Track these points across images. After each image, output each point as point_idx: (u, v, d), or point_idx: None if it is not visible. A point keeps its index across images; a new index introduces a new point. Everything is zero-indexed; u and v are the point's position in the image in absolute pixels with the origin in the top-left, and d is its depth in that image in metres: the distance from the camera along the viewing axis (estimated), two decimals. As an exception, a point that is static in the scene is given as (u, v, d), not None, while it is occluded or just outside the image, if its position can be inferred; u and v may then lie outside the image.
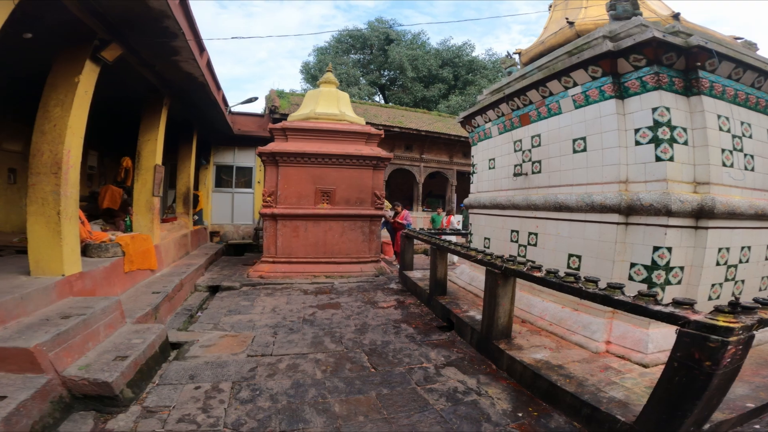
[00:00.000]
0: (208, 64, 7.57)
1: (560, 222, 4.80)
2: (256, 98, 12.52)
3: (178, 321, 5.46)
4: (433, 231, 8.80)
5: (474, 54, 24.61)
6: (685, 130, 3.91)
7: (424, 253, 12.42)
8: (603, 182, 4.32)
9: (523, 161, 5.60)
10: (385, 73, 25.02)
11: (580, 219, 4.52)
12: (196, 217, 12.03)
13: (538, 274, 3.51)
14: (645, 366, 3.52)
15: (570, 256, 4.66)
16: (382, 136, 9.40)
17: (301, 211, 8.80)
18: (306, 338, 4.76)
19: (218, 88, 9.33)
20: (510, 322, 4.21)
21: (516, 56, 6.61)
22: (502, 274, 4.05)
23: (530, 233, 5.35)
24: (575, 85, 4.60)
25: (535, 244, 5.27)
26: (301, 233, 8.85)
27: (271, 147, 8.74)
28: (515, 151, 5.80)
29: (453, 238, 9.19)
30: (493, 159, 6.41)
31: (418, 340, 4.85)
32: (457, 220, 11.88)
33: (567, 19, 5.44)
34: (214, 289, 7.46)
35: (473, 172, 7.24)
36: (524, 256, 5.41)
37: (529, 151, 5.49)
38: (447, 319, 5.36)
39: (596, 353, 3.85)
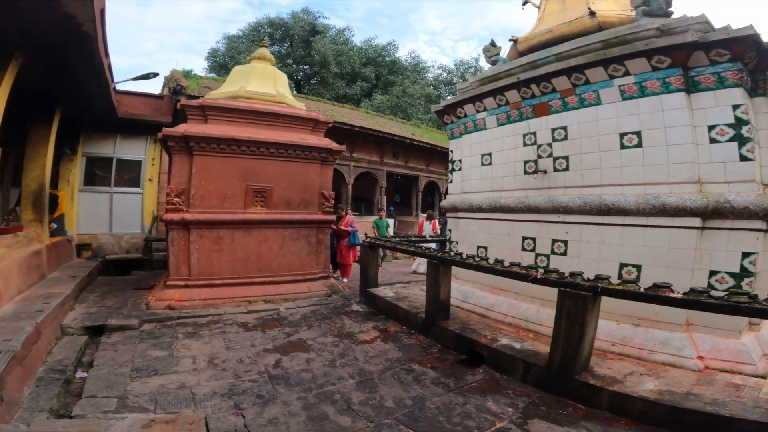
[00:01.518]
0: (102, 12, 5.15)
1: (606, 227, 4.03)
2: (155, 74, 9.70)
3: (47, 395, 3.23)
4: (413, 238, 7.51)
5: (397, 55, 24.26)
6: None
7: (356, 262, 11.02)
8: (670, 182, 3.69)
9: (539, 157, 4.74)
10: (304, 68, 23.03)
11: (639, 224, 3.80)
12: (55, 225, 8.72)
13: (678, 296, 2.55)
14: (763, 377, 3.20)
15: (623, 266, 3.91)
16: (331, 124, 7.84)
17: (227, 216, 6.71)
18: (295, 412, 3.04)
19: (107, 50, 6.69)
20: (591, 352, 3.23)
21: (511, 44, 5.82)
22: (592, 297, 3.02)
23: (556, 241, 4.48)
24: (627, 74, 3.99)
25: (563, 253, 4.42)
26: (227, 245, 6.74)
27: (183, 129, 6.50)
28: (526, 145, 4.93)
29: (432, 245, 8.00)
30: (489, 154, 5.46)
31: (453, 385, 3.56)
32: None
33: (589, 8, 4.86)
34: (96, 331, 5.01)
35: (453, 170, 6.21)
36: (546, 267, 4.51)
37: (549, 145, 4.66)
38: (467, 350, 4.16)
39: (698, 371, 3.33)
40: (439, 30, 69.38)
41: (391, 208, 14.75)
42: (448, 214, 6.28)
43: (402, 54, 28.96)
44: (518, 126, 5.04)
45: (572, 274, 3.28)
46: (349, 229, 8.62)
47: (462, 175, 5.96)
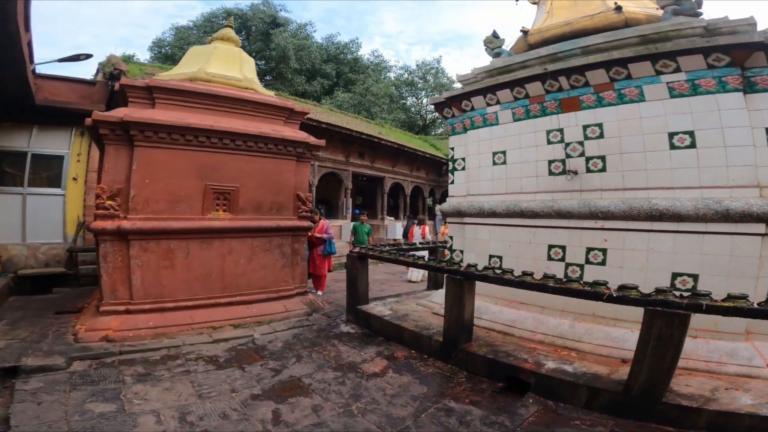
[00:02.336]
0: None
1: (656, 234, 3.59)
2: (88, 56, 7.99)
3: None
4: (403, 246, 6.70)
5: (359, 53, 23.37)
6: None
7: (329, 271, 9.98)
8: (730, 186, 3.36)
9: (569, 156, 4.23)
10: (261, 63, 21.34)
11: (696, 230, 3.39)
12: (-56, 235, 6.84)
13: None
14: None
15: (676, 275, 3.48)
16: (308, 113, 6.88)
17: (180, 223, 5.52)
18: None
19: (28, 21, 5.26)
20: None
21: (518, 36, 5.33)
22: (687, 316, 2.52)
23: (591, 249, 3.98)
24: (677, 71, 3.63)
25: (601, 263, 3.93)
26: (181, 260, 5.54)
27: (122, 113, 5.23)
28: (550, 142, 4.41)
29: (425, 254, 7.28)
30: (503, 152, 4.89)
31: (509, 424, 2.93)
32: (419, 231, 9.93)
33: (616, 3, 4.47)
34: (7, 374, 3.72)
35: (455, 169, 5.58)
36: (579, 278, 4.00)
37: (580, 143, 4.17)
38: (505, 377, 3.50)
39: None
40: (395, 33, 69.79)
41: (357, 211, 13.90)
42: (449, 219, 5.62)
43: (364, 52, 28.37)
44: (540, 122, 4.53)
45: (659, 291, 2.75)
46: (324, 236, 7.68)
47: (467, 175, 5.34)
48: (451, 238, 5.59)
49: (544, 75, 4.34)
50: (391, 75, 25.15)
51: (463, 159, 5.46)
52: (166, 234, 5.41)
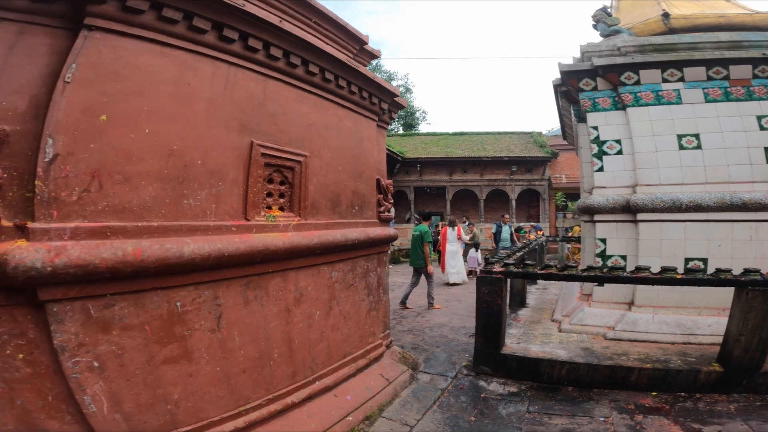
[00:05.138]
0: None
1: None
2: None
3: None
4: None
5: None
6: None
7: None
8: None
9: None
10: None
11: None
12: None
13: None
14: None
15: None
16: (379, 57, 4.06)
17: (198, 240, 2.17)
18: None
19: None
20: None
21: (653, 18, 4.73)
22: None
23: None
24: None
25: None
26: (203, 337, 2.18)
27: None
28: (763, 129, 3.91)
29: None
30: (695, 135, 4.05)
31: None
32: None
33: None
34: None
35: (605, 153, 4.39)
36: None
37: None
38: None
39: None
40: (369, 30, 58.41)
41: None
42: (599, 217, 4.32)
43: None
44: (746, 106, 3.99)
45: None
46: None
47: (633, 160, 4.20)
48: (601, 242, 4.31)
49: (755, 59, 3.86)
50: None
51: (618, 141, 4.31)
52: (162, 272, 1.93)
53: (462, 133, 20.38)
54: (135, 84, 1.95)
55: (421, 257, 6.19)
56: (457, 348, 4.37)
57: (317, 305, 2.86)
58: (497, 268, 3.66)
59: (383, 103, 3.63)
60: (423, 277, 6.36)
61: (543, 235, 10.91)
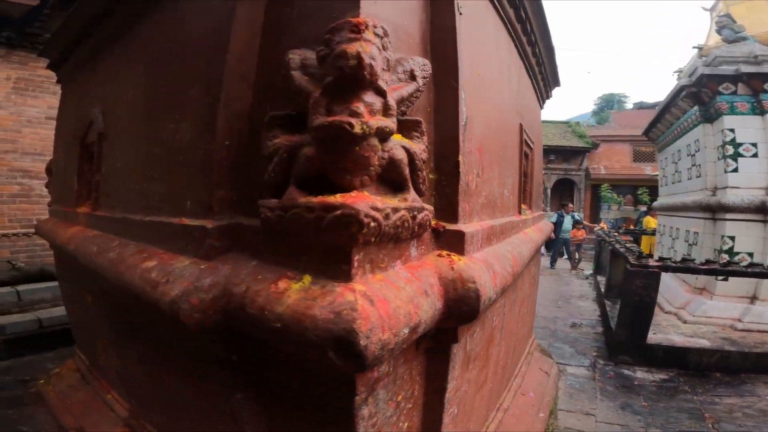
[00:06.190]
0: None
1: None
2: None
3: None
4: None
5: None
6: None
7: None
8: None
9: None
10: None
11: None
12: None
13: None
14: None
15: None
16: None
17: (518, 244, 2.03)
18: None
19: None
20: None
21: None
22: None
23: None
24: None
25: None
26: (494, 350, 2.10)
27: None
28: None
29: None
30: None
31: None
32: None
33: None
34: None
35: (740, 155, 4.72)
36: None
37: None
38: None
39: None
40: None
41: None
42: (731, 215, 4.58)
43: None
44: None
45: None
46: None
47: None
48: (732, 238, 4.64)
49: None
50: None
51: (754, 144, 4.68)
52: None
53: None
54: (488, 48, 1.66)
55: None
56: (568, 339, 4.53)
57: (526, 300, 2.77)
58: (652, 262, 3.81)
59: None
60: None
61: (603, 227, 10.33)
